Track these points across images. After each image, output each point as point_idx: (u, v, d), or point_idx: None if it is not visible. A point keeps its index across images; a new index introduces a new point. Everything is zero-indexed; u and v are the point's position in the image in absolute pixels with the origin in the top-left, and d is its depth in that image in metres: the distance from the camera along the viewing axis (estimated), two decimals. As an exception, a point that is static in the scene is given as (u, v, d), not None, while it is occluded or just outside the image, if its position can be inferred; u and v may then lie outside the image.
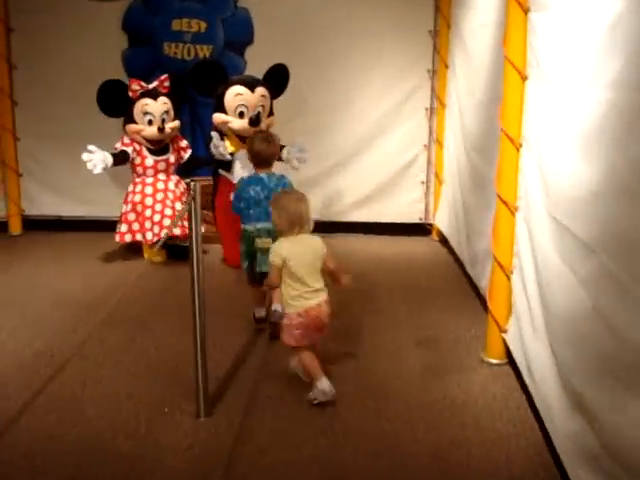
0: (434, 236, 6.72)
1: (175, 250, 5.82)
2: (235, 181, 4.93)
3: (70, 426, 3.21)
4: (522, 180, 3.49)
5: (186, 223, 5.42)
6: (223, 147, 5.32)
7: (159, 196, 5.77)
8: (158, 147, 5.80)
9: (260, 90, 5.47)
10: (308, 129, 6.53)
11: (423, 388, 3.57)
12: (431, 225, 6.80)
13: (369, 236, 6.81)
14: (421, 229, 6.86)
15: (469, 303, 4.75)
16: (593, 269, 2.41)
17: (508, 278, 3.64)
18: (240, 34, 6.54)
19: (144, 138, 5.71)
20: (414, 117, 6.67)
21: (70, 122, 6.69)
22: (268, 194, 4.16)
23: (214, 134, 5.39)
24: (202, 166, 5.89)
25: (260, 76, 5.63)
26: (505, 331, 3.70)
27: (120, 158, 5.68)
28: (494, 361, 3.81)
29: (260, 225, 4.22)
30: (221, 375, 3.67)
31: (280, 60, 5.95)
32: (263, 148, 4.34)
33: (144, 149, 5.77)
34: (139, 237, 5.77)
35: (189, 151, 6.08)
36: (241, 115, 5.39)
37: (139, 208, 5.75)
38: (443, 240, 6.33)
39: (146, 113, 5.68)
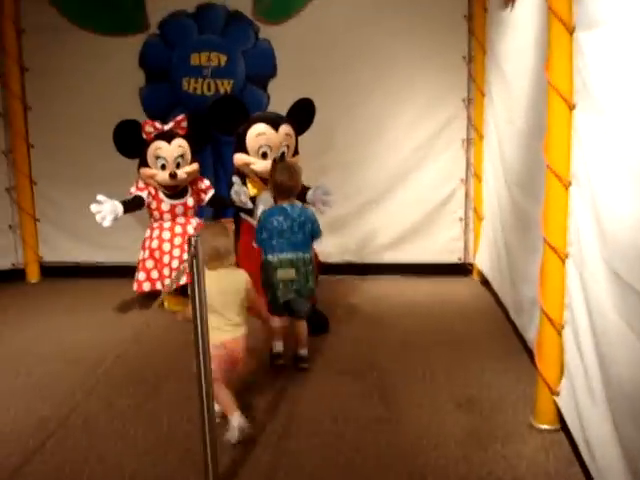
0: (475, 276, 6.32)
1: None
2: None
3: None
4: (573, 223, 3.09)
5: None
6: (245, 194, 4.94)
7: (177, 241, 5.48)
8: (174, 191, 5.50)
9: (284, 128, 5.05)
10: (336, 165, 6.30)
11: (464, 461, 3.15)
12: (471, 265, 6.40)
13: (405, 278, 6.44)
14: (461, 269, 6.47)
15: (515, 355, 4.32)
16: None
17: (559, 334, 3.23)
18: (262, 67, 6.28)
19: (158, 183, 5.44)
20: (450, 149, 6.32)
21: (88, 163, 6.50)
22: (291, 224, 4.24)
23: (235, 179, 5.03)
24: (228, 207, 5.55)
25: (284, 111, 5.24)
26: (557, 393, 3.28)
27: (133, 204, 5.40)
28: (545, 427, 3.38)
29: (283, 256, 4.21)
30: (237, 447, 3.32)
31: (305, 93, 5.61)
32: (285, 179, 4.33)
33: (160, 193, 5.48)
34: (159, 286, 5.48)
35: (211, 192, 5.73)
36: (264, 156, 4.95)
37: (157, 254, 5.46)
38: (485, 281, 5.92)
39: (158, 157, 5.38)
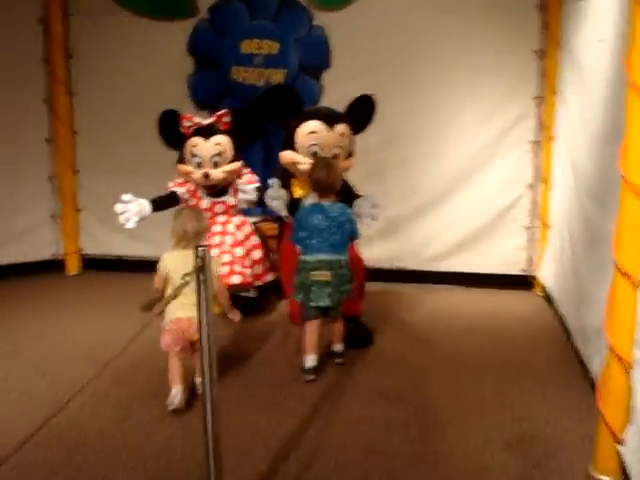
0: (538, 291, 5.86)
1: (236, 302, 5.25)
2: None
3: None
4: (650, 247, 2.66)
5: (245, 269, 5.10)
6: (280, 202, 4.56)
7: (215, 239, 5.18)
8: (214, 190, 5.21)
9: (340, 128, 4.64)
10: (393, 162, 6.02)
11: (510, 516, 2.77)
12: (535, 278, 5.93)
13: (461, 288, 6.06)
14: (523, 282, 6.00)
15: (578, 387, 3.87)
16: None
17: (626, 373, 2.80)
18: (316, 56, 5.97)
19: (194, 181, 5.16)
20: (517, 151, 5.88)
21: (133, 153, 6.36)
22: (330, 224, 4.09)
23: (274, 182, 4.66)
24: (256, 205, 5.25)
25: (338, 105, 4.83)
26: (621, 442, 2.85)
27: (164, 202, 5.10)
28: (605, 479, 2.96)
29: (321, 257, 4.08)
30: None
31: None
32: (324, 176, 4.15)
33: (199, 190, 5.21)
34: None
35: (252, 185, 5.30)
36: (314, 156, 4.59)
37: (194, 254, 5.19)
38: (549, 296, 5.46)
39: (194, 155, 5.08)
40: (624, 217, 2.77)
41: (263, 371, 4.20)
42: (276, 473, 3.03)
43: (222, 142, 5.12)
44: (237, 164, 5.21)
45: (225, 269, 4.98)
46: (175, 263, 3.67)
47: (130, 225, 4.89)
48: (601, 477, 2.96)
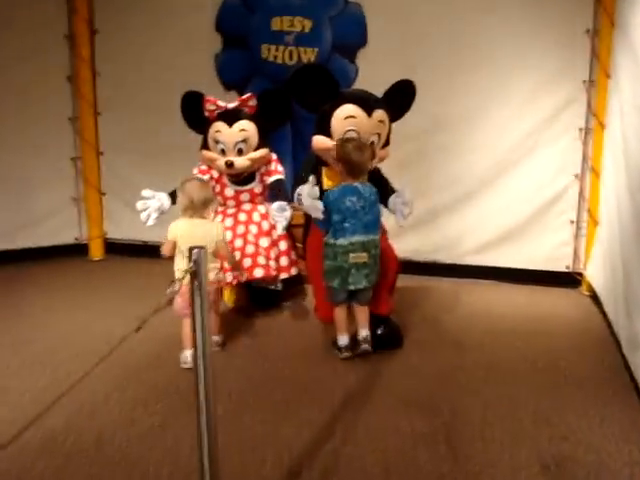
0: (584, 290, 5.53)
1: (258, 294, 5.09)
2: None
3: None
4: None
5: (269, 262, 4.86)
6: (309, 198, 4.07)
7: (240, 229, 4.94)
8: (239, 177, 4.96)
9: (379, 114, 4.30)
10: (431, 149, 5.73)
11: None
12: (581, 275, 5.60)
13: (500, 285, 5.77)
14: (568, 280, 5.67)
15: (624, 401, 3.56)
16: None
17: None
18: (351, 35, 5.67)
19: (218, 168, 4.92)
20: (564, 139, 5.51)
21: (158, 134, 6.15)
22: (364, 204, 4.04)
23: (311, 179, 4.12)
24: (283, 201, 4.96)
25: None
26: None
27: None
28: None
29: (355, 238, 4.02)
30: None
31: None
32: (357, 158, 4.01)
33: (224, 177, 4.96)
34: (220, 276, 4.99)
35: (275, 176, 5.02)
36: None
37: (218, 242, 4.97)
38: (596, 296, 5.13)
39: (218, 141, 4.82)
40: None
41: (280, 371, 3.97)
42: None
43: (247, 128, 4.83)
44: (263, 151, 4.92)
45: (248, 261, 4.76)
46: (182, 231, 3.97)
47: (150, 223, 4.67)
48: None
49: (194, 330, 2.20)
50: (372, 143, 4.26)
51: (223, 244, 4.14)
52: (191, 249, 2.15)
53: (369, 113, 4.25)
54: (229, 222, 4.98)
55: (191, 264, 2.09)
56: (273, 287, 5.04)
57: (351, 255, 4.00)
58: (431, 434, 3.24)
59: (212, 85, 5.81)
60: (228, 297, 5.05)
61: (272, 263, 4.86)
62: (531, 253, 5.71)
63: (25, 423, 3.29)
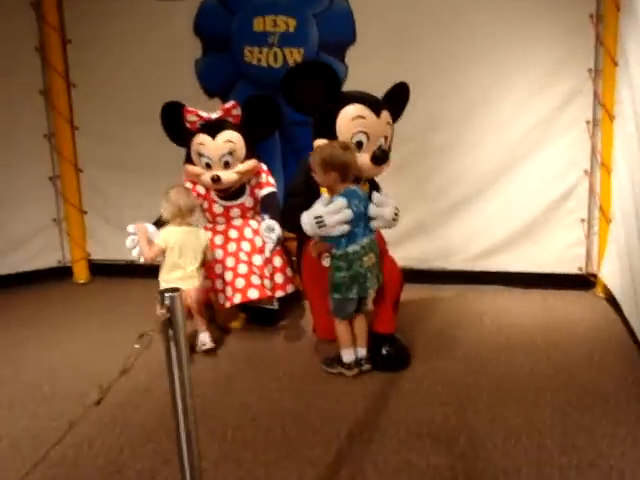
0: (599, 292, 5.28)
1: (257, 314, 4.84)
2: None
3: None
4: None
5: (264, 281, 4.60)
6: (334, 215, 3.70)
7: (231, 247, 4.69)
8: (227, 192, 4.69)
9: (386, 115, 4.04)
10: (428, 151, 5.46)
11: None
12: (595, 277, 5.35)
13: (510, 290, 5.50)
14: (581, 282, 5.42)
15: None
16: None
17: None
18: (338, 32, 5.38)
19: (204, 184, 4.64)
20: (571, 133, 5.23)
21: (141, 147, 5.87)
22: (365, 205, 3.88)
23: (323, 196, 3.82)
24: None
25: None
26: None
27: None
28: None
29: (364, 241, 3.86)
30: None
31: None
32: (350, 159, 3.78)
33: (212, 192, 4.69)
34: (211, 297, 4.74)
35: (267, 189, 4.78)
36: (358, 146, 3.95)
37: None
38: (612, 298, 4.87)
39: (201, 155, 4.55)
40: None
41: (280, 402, 3.69)
42: None
43: (233, 139, 4.55)
44: (252, 162, 4.65)
45: (241, 282, 4.50)
46: (175, 239, 4.21)
47: (143, 260, 4.40)
48: None
49: (171, 386, 1.92)
50: (380, 147, 3.99)
51: (208, 251, 4.41)
52: (162, 293, 1.88)
53: (377, 114, 3.99)
54: (219, 240, 4.75)
55: (163, 310, 1.81)
56: (269, 306, 4.79)
57: (364, 259, 3.84)
58: (448, 469, 2.98)
59: (194, 93, 5.56)
60: (233, 323, 4.86)
61: (267, 282, 4.60)
62: (541, 255, 5.44)
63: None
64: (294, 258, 4.76)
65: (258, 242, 4.69)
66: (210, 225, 4.82)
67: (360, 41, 5.39)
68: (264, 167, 4.83)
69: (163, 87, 5.35)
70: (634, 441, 3.13)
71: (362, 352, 4.02)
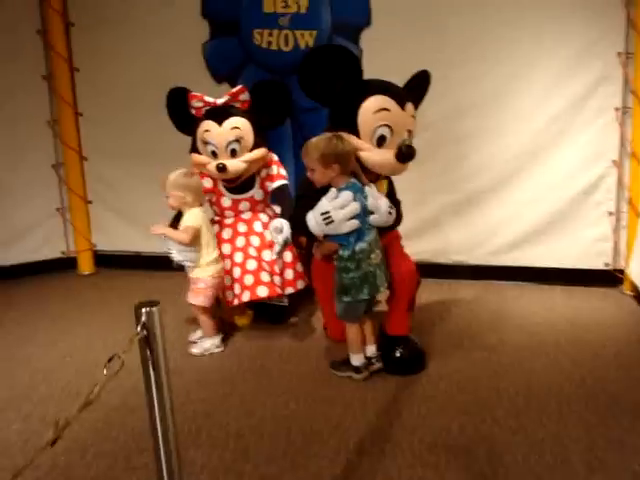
0: (626, 289, 5.06)
1: (265, 310, 4.66)
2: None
3: None
4: None
5: (273, 277, 4.39)
6: (340, 210, 3.49)
7: (240, 242, 4.47)
8: (235, 184, 4.46)
9: (410, 108, 3.70)
10: (447, 140, 5.25)
11: None
12: (622, 273, 5.12)
13: (532, 286, 5.30)
14: (608, 278, 5.20)
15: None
16: None
17: None
18: (353, 13, 5.15)
19: (210, 174, 4.43)
20: (598, 121, 5.00)
21: (147, 135, 5.70)
22: (365, 198, 3.62)
23: (332, 191, 3.58)
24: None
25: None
26: None
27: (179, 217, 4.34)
28: None
29: (370, 238, 3.63)
30: None
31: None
32: (347, 146, 3.52)
33: (220, 184, 4.48)
34: (219, 293, 4.54)
35: (278, 182, 4.54)
36: (381, 141, 3.61)
37: (216, 256, 4.50)
38: (641, 295, 4.66)
39: (207, 142, 4.33)
40: None
41: (285, 407, 3.49)
42: None
43: (240, 125, 4.31)
44: (261, 151, 4.39)
45: (250, 279, 4.29)
46: (201, 215, 4.15)
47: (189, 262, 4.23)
48: None
49: (150, 411, 1.72)
50: (404, 142, 3.58)
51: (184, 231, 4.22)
52: (138, 308, 1.67)
53: (402, 106, 3.63)
54: (227, 234, 4.54)
55: (138, 329, 1.61)
56: (278, 303, 4.59)
57: (372, 256, 3.63)
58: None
59: (201, 78, 5.38)
60: (240, 320, 4.68)
61: (277, 279, 4.39)
62: (566, 250, 5.24)
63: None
64: (302, 251, 4.57)
65: (268, 236, 4.47)
66: (217, 218, 4.62)
67: (375, 24, 5.16)
68: (275, 158, 4.59)
69: (170, 71, 5.21)
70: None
71: (372, 349, 3.86)
